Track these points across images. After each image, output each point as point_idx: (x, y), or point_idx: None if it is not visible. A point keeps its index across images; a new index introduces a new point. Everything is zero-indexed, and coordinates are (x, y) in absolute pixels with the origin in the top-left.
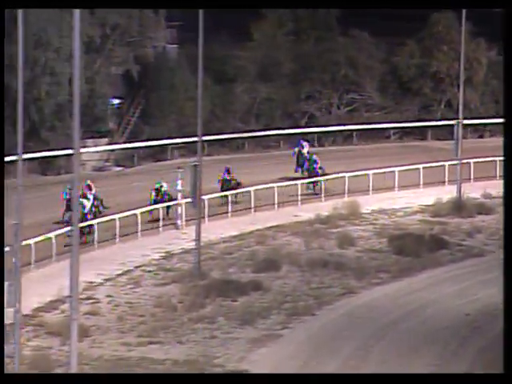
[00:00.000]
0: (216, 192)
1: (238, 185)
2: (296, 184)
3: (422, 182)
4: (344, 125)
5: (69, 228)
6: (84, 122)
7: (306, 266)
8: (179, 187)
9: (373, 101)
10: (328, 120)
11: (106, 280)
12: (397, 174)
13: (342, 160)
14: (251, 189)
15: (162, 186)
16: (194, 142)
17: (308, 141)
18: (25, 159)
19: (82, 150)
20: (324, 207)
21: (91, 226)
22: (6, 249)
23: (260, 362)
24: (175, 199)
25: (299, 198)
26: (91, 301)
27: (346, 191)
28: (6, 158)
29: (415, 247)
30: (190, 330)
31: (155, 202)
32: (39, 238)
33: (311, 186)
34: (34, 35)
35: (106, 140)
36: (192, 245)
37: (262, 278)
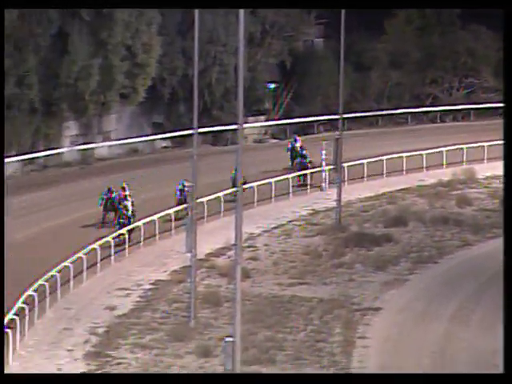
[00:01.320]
0: (353, 161)
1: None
2: (421, 154)
3: None
4: (463, 104)
5: (233, 189)
6: (246, 103)
7: (429, 222)
8: (323, 156)
9: (488, 84)
10: (449, 100)
11: (264, 232)
12: None
13: (462, 134)
14: (384, 158)
15: (184, 186)
16: (336, 119)
17: (300, 135)
18: (199, 133)
19: (245, 126)
20: (445, 173)
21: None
22: (184, 205)
23: (390, 302)
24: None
25: (424, 164)
26: (252, 248)
27: (465, 160)
28: (184, 132)
29: None
30: (332, 274)
31: (180, 202)
32: (210, 196)
33: (301, 178)
34: (207, 32)
35: (264, 117)
36: (334, 204)
37: (392, 231)
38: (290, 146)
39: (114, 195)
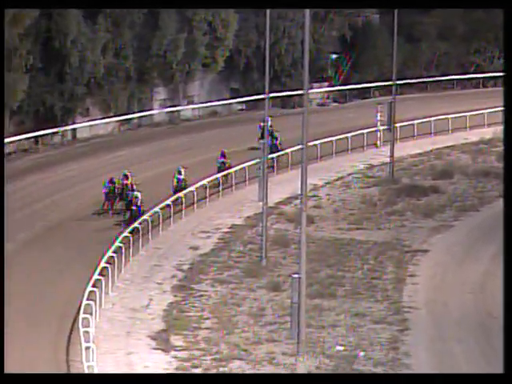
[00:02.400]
0: (404, 122)
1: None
2: (465, 115)
3: None
4: (502, 72)
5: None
6: (311, 71)
7: (472, 175)
8: (378, 117)
9: None
10: (490, 68)
11: (326, 183)
12: None
13: (501, 97)
14: (432, 119)
15: (180, 173)
16: (390, 85)
17: (272, 116)
18: (270, 97)
19: (310, 91)
20: (486, 132)
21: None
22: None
23: (436, 245)
24: (190, 185)
25: (467, 124)
26: (315, 198)
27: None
28: (257, 96)
29: None
30: (386, 221)
31: (175, 190)
32: (281, 152)
33: (270, 161)
34: (277, 9)
35: (326, 84)
36: (387, 159)
37: (439, 183)
38: (260, 125)
39: (120, 185)
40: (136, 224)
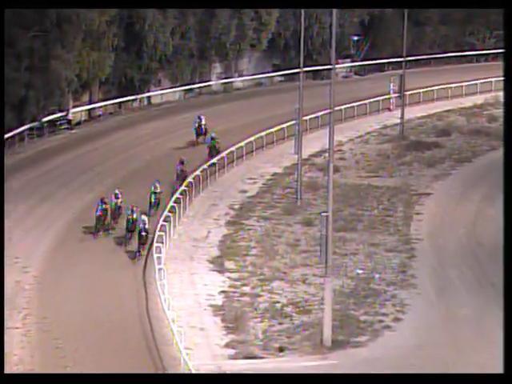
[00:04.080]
0: (412, 90)
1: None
2: (461, 85)
3: None
4: (492, 49)
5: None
6: (337, 50)
7: (466, 133)
8: (391, 87)
9: None
10: (482, 46)
11: (349, 140)
12: None
13: (491, 71)
14: (434, 88)
15: (156, 188)
16: (401, 61)
17: (205, 115)
18: (304, 71)
19: (336, 66)
20: (479, 99)
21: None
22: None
23: (438, 189)
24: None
25: (463, 92)
26: (340, 151)
27: (493, 89)
28: (294, 70)
29: None
30: (397, 170)
31: (151, 204)
32: (311, 115)
33: (209, 151)
34: None
35: (349, 60)
36: (398, 121)
37: (440, 140)
38: (195, 122)
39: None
40: (198, 172)
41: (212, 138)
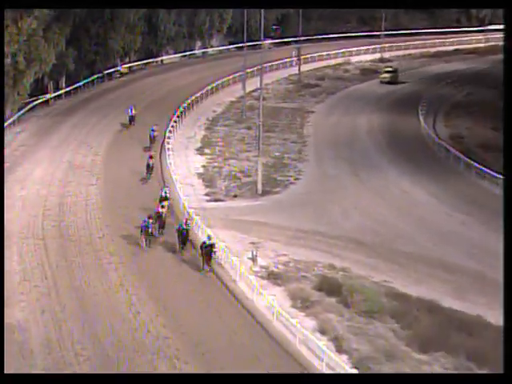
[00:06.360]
0: (307, 55)
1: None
2: (330, 53)
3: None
4: (350, 33)
5: None
6: (264, 33)
7: (333, 78)
8: (293, 54)
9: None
10: (345, 31)
11: (271, 82)
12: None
13: (345, 45)
14: (316, 54)
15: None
16: (298, 40)
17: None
18: (247, 45)
19: (264, 42)
20: (339, 61)
21: None
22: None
23: (318, 109)
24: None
25: (331, 57)
26: (266, 89)
27: (346, 55)
28: (239, 45)
29: (365, 76)
30: (296, 98)
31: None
32: (251, 69)
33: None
34: None
35: (270, 38)
36: (297, 72)
37: (318, 82)
38: (127, 112)
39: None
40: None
41: (152, 130)
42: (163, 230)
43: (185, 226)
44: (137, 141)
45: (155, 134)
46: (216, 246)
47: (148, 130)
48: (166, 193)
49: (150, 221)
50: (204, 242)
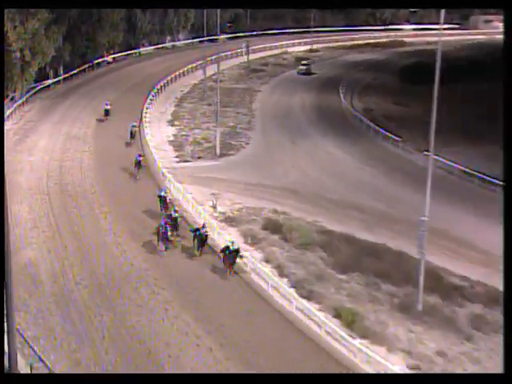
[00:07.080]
0: (255, 46)
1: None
2: (272, 45)
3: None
4: (288, 28)
5: None
6: (220, 29)
7: (274, 65)
8: (243, 46)
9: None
10: (283, 26)
11: (226, 68)
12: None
13: (283, 40)
14: (262, 46)
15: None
16: (248, 35)
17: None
18: (207, 39)
19: (219, 37)
20: (280, 52)
21: None
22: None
23: (263, 89)
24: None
25: (273, 48)
26: (222, 74)
27: (285, 46)
28: (201, 39)
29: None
30: (246, 81)
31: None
32: (210, 57)
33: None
34: None
35: (226, 34)
36: (246, 60)
37: (263, 68)
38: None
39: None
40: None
41: (132, 126)
42: (177, 232)
43: (204, 231)
44: (118, 118)
45: (135, 129)
46: (241, 251)
47: (128, 124)
48: (165, 193)
49: (167, 226)
50: (227, 247)
